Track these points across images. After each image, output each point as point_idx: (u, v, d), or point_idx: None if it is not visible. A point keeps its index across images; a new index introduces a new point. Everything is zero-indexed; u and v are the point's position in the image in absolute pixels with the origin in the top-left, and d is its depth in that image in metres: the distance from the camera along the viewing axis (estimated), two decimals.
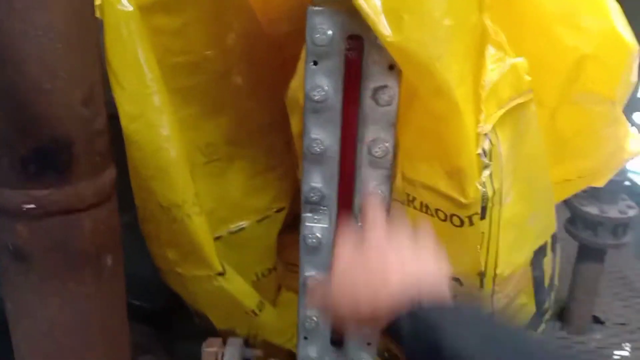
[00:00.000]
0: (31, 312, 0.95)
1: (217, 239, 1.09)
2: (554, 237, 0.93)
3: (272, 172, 1.11)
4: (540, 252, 0.90)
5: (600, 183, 1.07)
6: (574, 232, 3.79)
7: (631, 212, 3.72)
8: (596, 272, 3.96)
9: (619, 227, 3.68)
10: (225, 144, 1.04)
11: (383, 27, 0.69)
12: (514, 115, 0.79)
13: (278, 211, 1.14)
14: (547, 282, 0.95)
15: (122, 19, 0.86)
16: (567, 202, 3.82)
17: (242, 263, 1.12)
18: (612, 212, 3.69)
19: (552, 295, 1.00)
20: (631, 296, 4.57)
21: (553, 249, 0.94)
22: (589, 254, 3.86)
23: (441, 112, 0.72)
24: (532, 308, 0.95)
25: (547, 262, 0.93)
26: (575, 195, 3.83)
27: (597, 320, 4.25)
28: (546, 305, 0.98)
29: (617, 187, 3.74)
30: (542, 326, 1.05)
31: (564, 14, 0.76)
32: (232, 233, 1.10)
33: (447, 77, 0.69)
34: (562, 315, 4.14)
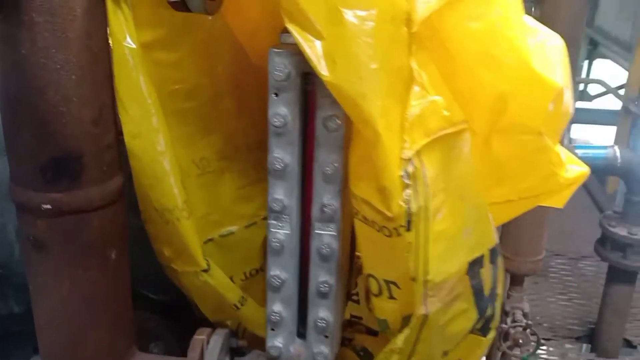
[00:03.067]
0: (47, 292, 1.14)
1: (209, 240, 1.26)
2: (492, 251, 1.04)
3: (259, 183, 1.27)
4: (476, 263, 1.01)
5: (555, 204, 1.18)
6: (604, 253, 3.78)
7: None
8: (626, 294, 3.93)
9: None
10: (216, 158, 1.21)
11: (322, 68, 0.84)
12: (444, 142, 0.92)
13: (264, 218, 1.29)
14: (487, 291, 1.06)
15: (127, 54, 1.05)
16: (599, 223, 3.80)
17: (232, 263, 1.29)
18: None
19: (497, 304, 1.10)
20: None
21: (492, 261, 1.05)
22: (618, 275, 3.85)
23: (369, 138, 0.87)
24: (473, 314, 1.06)
25: (486, 272, 1.04)
26: (605, 217, 3.83)
27: (628, 344, 4.17)
28: (488, 312, 1.08)
29: None
30: (492, 333, 1.15)
31: (484, 56, 0.88)
32: (222, 236, 1.27)
33: (371, 110, 0.84)
34: (592, 337, 4.09)
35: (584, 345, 3.95)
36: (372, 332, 1.37)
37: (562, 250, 4.65)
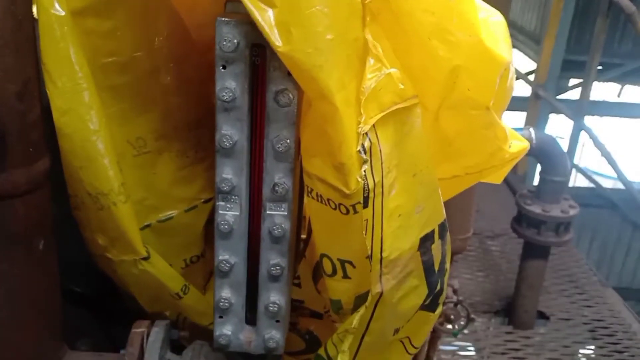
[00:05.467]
0: None
1: (146, 226, 1.18)
2: (441, 226, 1.05)
3: (200, 164, 1.21)
4: (427, 239, 1.01)
5: (495, 180, 1.20)
6: (519, 230, 3.98)
7: (572, 212, 3.93)
8: (540, 268, 4.19)
9: (561, 225, 3.90)
10: (154, 138, 1.13)
11: (275, 38, 0.80)
12: (397, 117, 0.91)
13: (206, 201, 1.24)
14: (437, 266, 1.07)
15: (55, 22, 0.95)
16: (515, 202, 3.99)
17: (171, 250, 1.22)
18: (555, 211, 3.91)
19: (445, 278, 1.12)
20: (576, 293, 4.77)
21: (441, 237, 1.05)
22: (533, 251, 4.08)
23: (325, 113, 0.84)
24: (424, 290, 1.06)
25: (436, 248, 1.04)
26: (521, 195, 4.01)
27: (542, 315, 4.46)
28: (438, 287, 1.09)
29: (560, 188, 3.94)
30: (440, 308, 1.17)
31: (438, 29, 0.87)
32: (160, 221, 1.19)
33: (328, 83, 0.81)
34: (509, 310, 4.32)
35: (502, 319, 4.17)
36: (316, 315, 1.35)
37: (477, 229, 4.89)
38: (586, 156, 9.93)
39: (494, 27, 0.98)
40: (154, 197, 1.18)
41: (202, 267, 1.31)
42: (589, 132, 5.56)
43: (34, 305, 1.08)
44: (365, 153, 0.86)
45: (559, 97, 6.74)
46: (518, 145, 1.09)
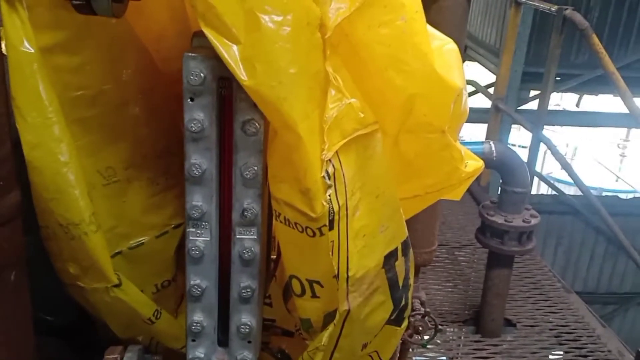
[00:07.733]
0: None
1: (117, 254, 1.20)
2: (404, 243, 1.10)
3: (170, 191, 1.24)
4: (391, 257, 1.07)
5: (454, 197, 1.26)
6: (484, 240, 4.07)
7: (534, 221, 4.04)
8: (505, 276, 4.27)
9: (524, 234, 4.01)
10: (123, 167, 1.16)
11: (240, 73, 0.84)
12: (358, 143, 0.96)
13: (176, 227, 1.27)
14: (401, 282, 1.12)
15: (24, 59, 0.98)
16: (478, 212, 4.07)
17: (142, 276, 1.24)
18: (517, 221, 4.01)
19: (409, 293, 1.17)
20: (541, 299, 4.87)
21: (404, 253, 1.11)
22: (498, 260, 4.17)
23: (290, 142, 0.88)
24: (389, 305, 1.11)
25: (400, 264, 1.10)
26: (483, 207, 4.11)
27: (509, 323, 4.54)
28: (403, 302, 1.14)
29: (521, 199, 4.06)
30: (405, 322, 1.22)
31: (393, 60, 0.93)
32: (131, 248, 1.22)
33: (292, 114, 0.85)
34: (476, 319, 4.39)
35: (469, 328, 4.25)
36: (288, 334, 1.39)
37: (444, 240, 4.99)
38: (549, 163, 10.21)
39: (447, 55, 1.04)
40: (124, 225, 1.20)
41: (173, 291, 1.33)
42: (547, 142, 5.75)
43: (5, 336, 1.09)
44: (329, 178, 0.91)
45: (520, 107, 6.93)
46: (473, 164, 1.15)
